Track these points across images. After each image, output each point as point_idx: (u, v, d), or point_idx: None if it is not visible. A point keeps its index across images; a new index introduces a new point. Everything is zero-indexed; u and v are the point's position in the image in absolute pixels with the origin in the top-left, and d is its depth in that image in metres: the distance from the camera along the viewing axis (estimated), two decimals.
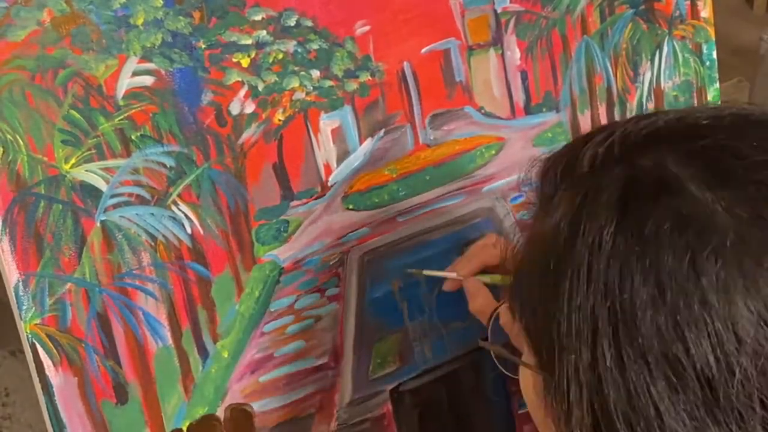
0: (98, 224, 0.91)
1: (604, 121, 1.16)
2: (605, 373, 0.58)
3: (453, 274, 1.02)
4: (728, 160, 0.57)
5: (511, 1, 1.08)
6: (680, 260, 0.55)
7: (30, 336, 0.89)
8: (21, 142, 0.86)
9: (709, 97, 1.22)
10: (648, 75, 1.18)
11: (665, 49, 1.18)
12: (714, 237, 0.55)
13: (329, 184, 1.02)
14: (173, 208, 0.94)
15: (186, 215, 0.95)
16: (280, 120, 0.98)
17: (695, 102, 1.21)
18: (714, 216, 0.55)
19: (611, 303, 0.57)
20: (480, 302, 1.01)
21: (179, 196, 0.94)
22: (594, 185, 0.60)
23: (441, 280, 1.07)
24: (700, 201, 0.56)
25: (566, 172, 0.64)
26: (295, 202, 1.00)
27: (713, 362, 0.55)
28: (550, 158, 0.67)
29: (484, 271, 1.02)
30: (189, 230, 0.95)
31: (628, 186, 0.58)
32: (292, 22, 0.96)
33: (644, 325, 0.56)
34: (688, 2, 1.18)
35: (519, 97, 1.10)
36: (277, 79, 0.97)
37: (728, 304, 0.55)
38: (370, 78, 1.01)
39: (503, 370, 0.86)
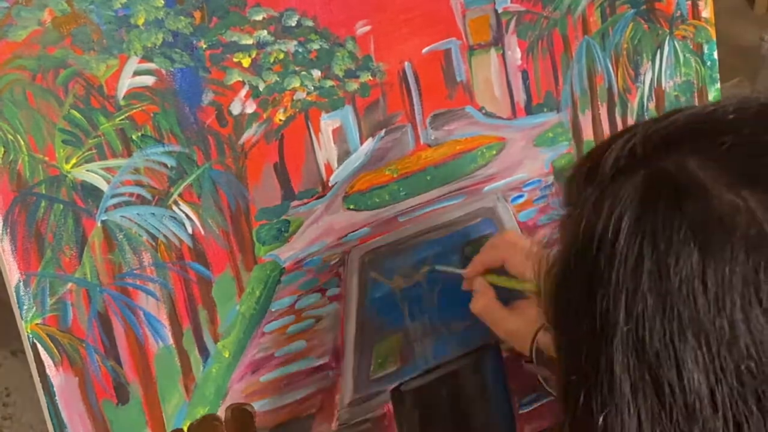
0: (99, 224, 0.91)
1: (605, 121, 1.16)
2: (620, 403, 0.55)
3: (460, 271, 1.03)
4: (753, 158, 0.53)
5: (512, 1, 1.08)
6: (689, 266, 0.52)
7: (31, 336, 0.89)
8: (22, 142, 0.86)
9: (710, 98, 1.22)
10: (649, 75, 1.18)
11: (666, 49, 1.18)
12: (730, 239, 0.51)
13: (330, 184, 1.02)
14: (174, 208, 0.94)
15: (187, 215, 0.95)
16: (281, 120, 0.98)
17: (696, 102, 1.21)
18: (735, 218, 0.51)
19: (626, 313, 0.54)
20: (482, 303, 1.01)
21: (180, 196, 0.94)
22: (614, 192, 0.56)
23: (442, 280, 1.07)
24: (721, 203, 0.52)
25: (590, 179, 0.60)
26: (295, 202, 1.00)
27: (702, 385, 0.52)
28: (576, 164, 0.63)
29: (494, 271, 1.02)
30: (190, 230, 0.95)
31: (648, 191, 0.55)
32: (293, 22, 0.96)
33: (652, 340, 0.53)
34: (689, 2, 1.18)
35: (520, 97, 1.10)
36: (278, 79, 0.97)
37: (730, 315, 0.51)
38: (370, 78, 1.01)
39: (550, 392, 0.85)
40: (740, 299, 0.51)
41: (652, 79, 1.18)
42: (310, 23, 0.97)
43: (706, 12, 1.19)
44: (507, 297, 1.01)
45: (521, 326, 0.96)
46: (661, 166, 0.55)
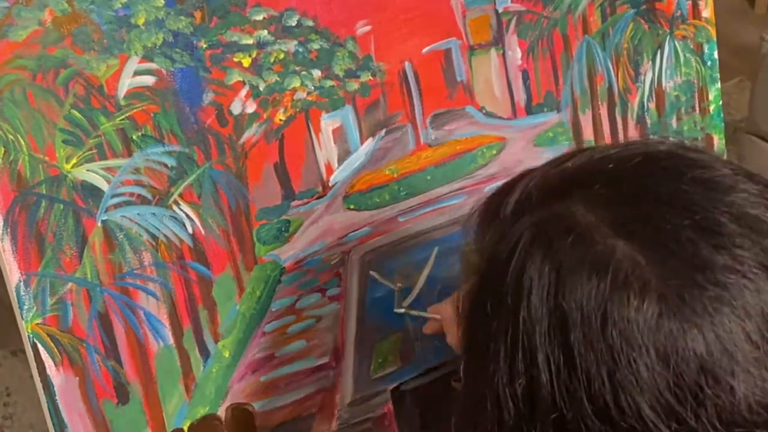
0: (99, 224, 0.91)
1: (605, 121, 1.16)
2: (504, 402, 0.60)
3: (435, 316, 1.02)
4: (626, 208, 0.59)
5: (512, 1, 1.08)
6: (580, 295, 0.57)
7: (31, 336, 0.89)
8: (22, 142, 0.86)
9: (711, 97, 1.22)
10: (649, 75, 1.18)
11: (666, 48, 1.18)
12: (612, 282, 0.56)
13: (330, 183, 1.02)
14: (174, 207, 0.94)
15: (187, 215, 0.95)
16: (281, 120, 0.98)
17: (696, 102, 1.21)
18: (617, 261, 0.57)
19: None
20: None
21: (180, 195, 0.94)
22: (510, 231, 0.62)
23: (442, 280, 1.07)
24: (604, 247, 0.58)
25: (492, 217, 0.67)
26: (296, 202, 1.00)
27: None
28: (486, 199, 0.70)
29: None
30: (190, 230, 0.95)
31: (539, 233, 0.60)
32: (293, 22, 0.96)
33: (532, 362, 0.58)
34: (690, 2, 1.18)
35: (520, 97, 1.10)
36: (278, 78, 0.97)
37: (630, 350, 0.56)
38: (371, 78, 1.01)
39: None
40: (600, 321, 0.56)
41: (652, 78, 1.18)
42: (310, 23, 0.97)
43: (707, 12, 1.19)
44: None
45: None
46: (552, 210, 0.61)
